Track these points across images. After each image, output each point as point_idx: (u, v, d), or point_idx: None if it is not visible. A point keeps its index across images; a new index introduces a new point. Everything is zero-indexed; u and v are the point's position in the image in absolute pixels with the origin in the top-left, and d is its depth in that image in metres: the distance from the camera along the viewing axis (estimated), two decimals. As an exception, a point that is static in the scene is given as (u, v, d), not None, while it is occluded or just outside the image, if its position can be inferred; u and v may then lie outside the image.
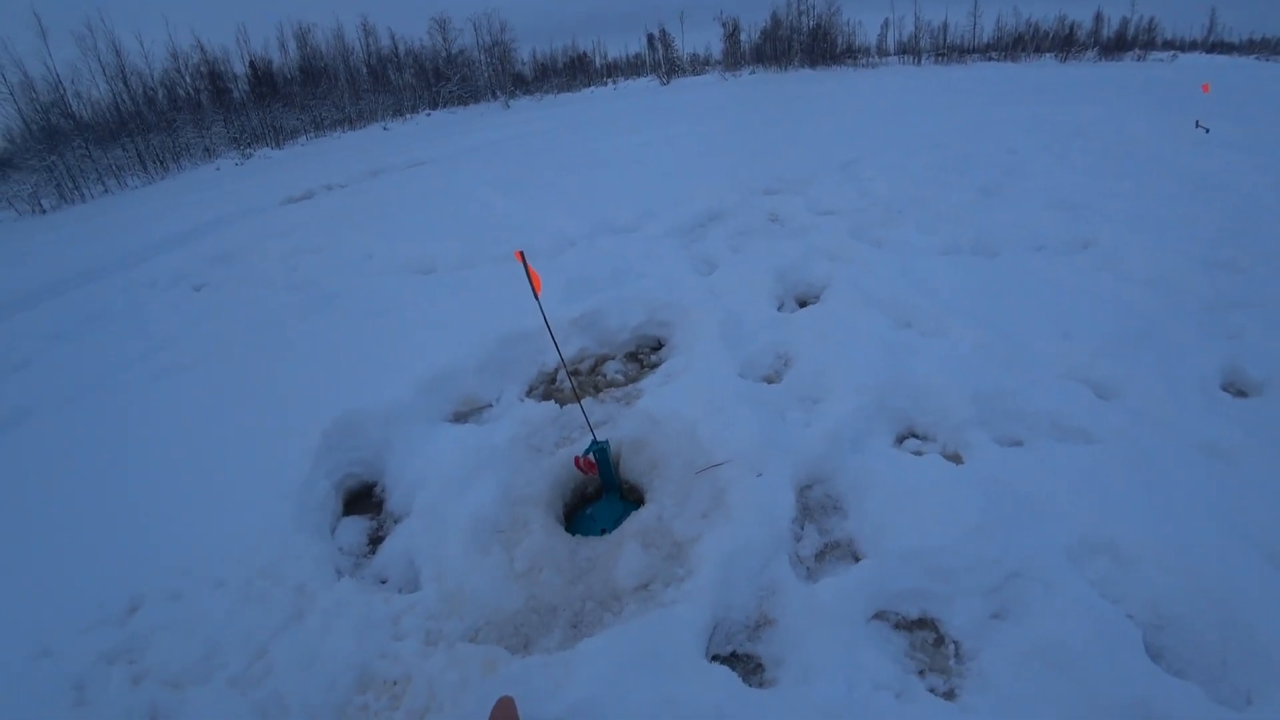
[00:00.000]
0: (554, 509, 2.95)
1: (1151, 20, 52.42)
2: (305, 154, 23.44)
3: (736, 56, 46.67)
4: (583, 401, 3.27)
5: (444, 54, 40.92)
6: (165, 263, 8.09)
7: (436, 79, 39.32)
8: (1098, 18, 50.54)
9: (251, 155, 24.98)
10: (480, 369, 4.03)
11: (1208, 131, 11.13)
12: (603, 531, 2.79)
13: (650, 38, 50.59)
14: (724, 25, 46.86)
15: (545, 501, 2.90)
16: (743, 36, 47.26)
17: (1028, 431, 3.22)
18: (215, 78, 32.72)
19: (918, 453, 3.17)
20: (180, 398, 4.27)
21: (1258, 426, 3.10)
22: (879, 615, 2.36)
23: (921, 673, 2.16)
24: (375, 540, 3.01)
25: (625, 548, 2.59)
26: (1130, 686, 1.95)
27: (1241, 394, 3.54)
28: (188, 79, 32.23)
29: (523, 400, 3.92)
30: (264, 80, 34.08)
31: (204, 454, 3.52)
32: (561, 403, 3.73)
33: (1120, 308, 4.32)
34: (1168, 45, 51.74)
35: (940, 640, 2.27)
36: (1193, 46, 52.48)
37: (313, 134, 29.81)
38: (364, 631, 2.29)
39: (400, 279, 6.05)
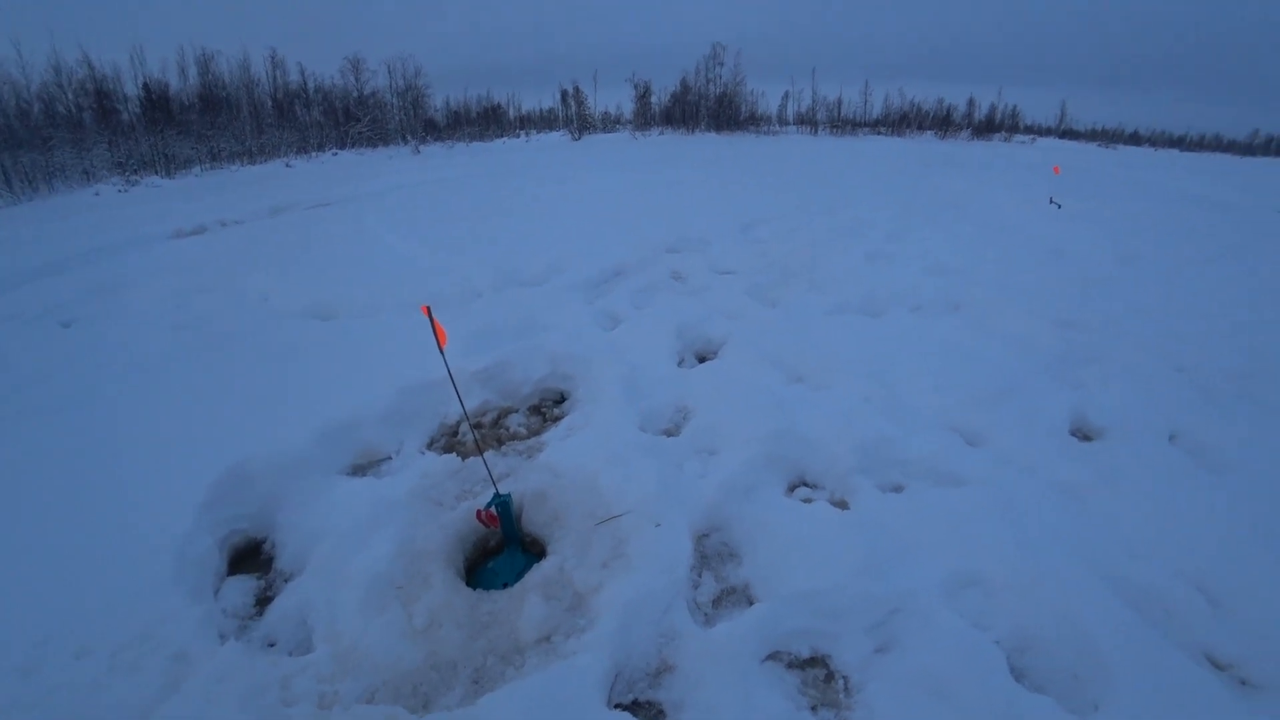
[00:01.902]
0: (455, 563, 2.92)
1: (1015, 107, 59.44)
2: (199, 186, 22.18)
3: (647, 117, 48.61)
4: (485, 454, 3.28)
5: (356, 94, 40.22)
6: (31, 294, 7.38)
7: (346, 118, 38.50)
8: (970, 102, 56.72)
9: (138, 183, 23.32)
10: (381, 420, 3.96)
11: (1060, 207, 12.61)
12: (505, 585, 2.80)
13: (564, 93, 51.83)
14: (636, 86, 48.86)
15: (446, 556, 2.88)
16: (654, 99, 49.38)
17: (906, 477, 3.53)
18: (102, 96, 30.64)
19: (807, 500, 3.39)
20: (43, 443, 3.88)
21: (1101, 467, 3.60)
22: (773, 655, 2.50)
23: (814, 708, 2.31)
24: (263, 600, 2.88)
25: (527, 600, 2.61)
26: (997, 704, 2.18)
27: (1087, 438, 4.04)
28: (70, 95, 30.01)
29: (424, 453, 3.87)
30: (158, 104, 32.22)
31: (69, 507, 3.22)
32: (463, 455, 3.72)
33: (986, 363, 4.81)
34: (1028, 130, 58.57)
35: (830, 676, 2.43)
36: (1048, 132, 59.65)
37: (209, 165, 28.28)
38: (250, 698, 2.19)
39: (299, 323, 5.84)
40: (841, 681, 2.39)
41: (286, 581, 2.93)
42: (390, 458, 3.83)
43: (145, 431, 3.95)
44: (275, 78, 38.22)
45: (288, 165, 28.67)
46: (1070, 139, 56.51)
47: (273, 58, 37.82)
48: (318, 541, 2.98)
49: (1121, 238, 9.76)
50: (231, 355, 5.10)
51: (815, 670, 2.46)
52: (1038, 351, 5.11)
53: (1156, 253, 8.86)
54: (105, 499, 3.27)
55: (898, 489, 3.45)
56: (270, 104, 37.31)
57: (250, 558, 3.19)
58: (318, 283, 6.95)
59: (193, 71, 35.22)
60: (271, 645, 2.60)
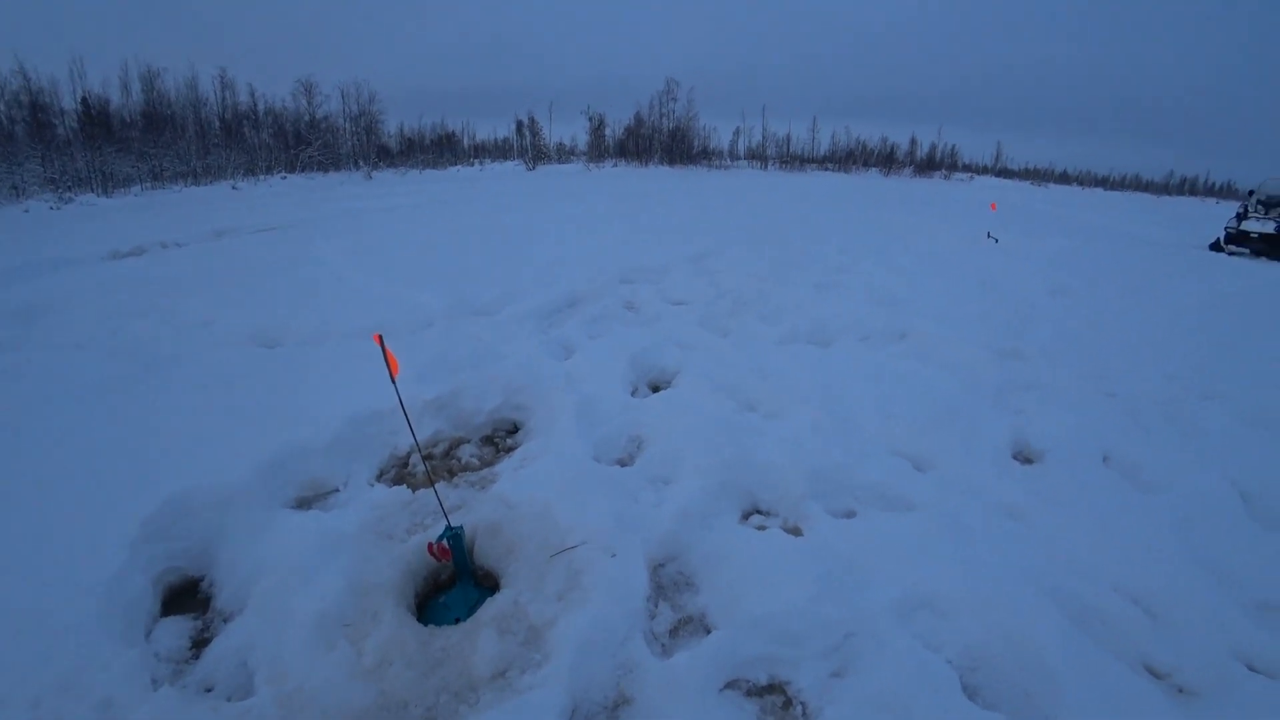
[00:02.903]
0: (405, 598, 2.84)
1: (954, 147, 62.71)
2: (139, 205, 21.38)
3: (601, 149, 49.31)
4: (437, 486, 3.22)
5: (307, 117, 39.65)
6: (-55, 315, 6.95)
7: (297, 142, 37.84)
8: (913, 141, 59.52)
9: (71, 200, 22.34)
10: (327, 450, 3.84)
11: (997, 241, 13.24)
12: (457, 620, 2.73)
13: (519, 124, 52.21)
14: (590, 119, 49.59)
15: (396, 591, 2.80)
16: (607, 131, 50.16)
17: (857, 503, 3.61)
18: (37, 109, 29.43)
19: (761, 527, 3.42)
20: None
21: (1042, 489, 3.77)
22: (731, 684, 2.49)
23: (773, 734, 2.29)
24: (200, 642, 2.72)
25: (481, 635, 2.55)
26: None
27: (1028, 461, 4.21)
28: (2, 105, 28.76)
29: (373, 485, 3.77)
30: (97, 120, 31.09)
31: None
32: (414, 487, 3.63)
33: (931, 390, 4.98)
34: (966, 168, 61.65)
35: (789, 702, 2.43)
36: (985, 170, 62.91)
37: (150, 185, 27.29)
38: (183, 747, 2.06)
39: (242, 351, 5.64)
40: (800, 708, 2.39)
41: (225, 621, 2.79)
42: (338, 490, 3.71)
43: (74, 464, 3.69)
44: (224, 98, 37.43)
45: (234, 188, 27.95)
46: (1005, 177, 59.71)
47: (221, 77, 37.11)
48: (260, 578, 2.85)
49: (1053, 271, 10.30)
50: (169, 383, 4.87)
51: (773, 697, 2.46)
52: (979, 379, 5.32)
53: (1086, 285, 9.38)
54: (27, 536, 3.02)
55: (849, 514, 3.52)
56: (218, 124, 36.45)
57: (186, 597, 3.03)
58: (262, 309, 6.76)
59: (136, 88, 34.24)
60: (209, 690, 2.46)
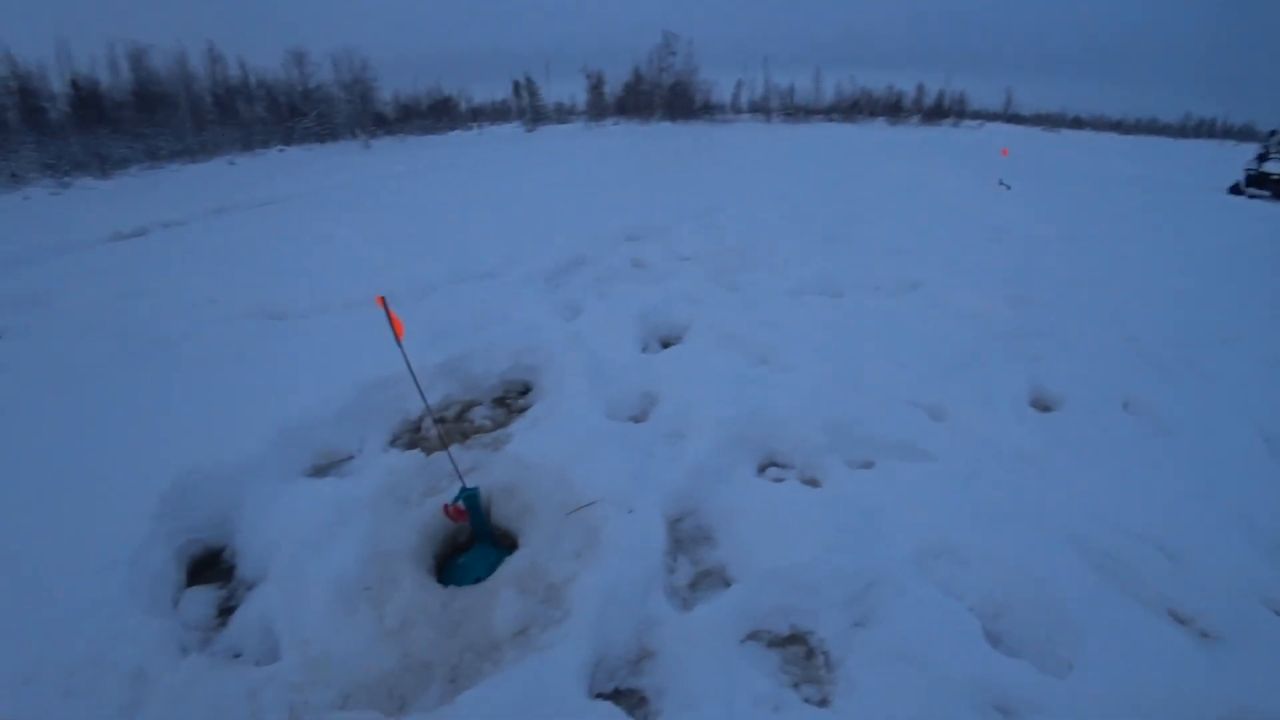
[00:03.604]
0: (425, 561, 2.86)
1: (962, 93, 60.84)
2: (137, 187, 21.23)
3: (601, 107, 48.35)
4: (450, 448, 3.20)
5: (300, 88, 39.02)
6: (-43, 306, 6.97)
7: (292, 114, 37.33)
8: (920, 89, 57.91)
9: (70, 185, 22.21)
10: (339, 419, 3.84)
11: (1009, 188, 12.94)
12: (477, 580, 2.74)
13: (516, 85, 51.19)
14: (589, 77, 48.54)
15: (415, 554, 2.81)
16: (607, 89, 49.13)
17: (875, 453, 3.58)
18: (27, 94, 29.07)
19: (778, 479, 3.41)
20: (-22, 462, 3.67)
21: (1060, 436, 3.72)
22: (753, 635, 2.50)
23: (796, 684, 2.32)
24: (226, 611, 2.76)
25: (500, 595, 2.55)
26: (973, 670, 2.23)
27: (1046, 409, 4.15)
28: (-5, 94, 28.43)
29: (386, 450, 3.78)
30: (88, 102, 30.70)
31: (9, 526, 3.00)
32: (428, 451, 3.63)
33: (944, 339, 4.91)
34: (975, 115, 60.07)
35: (810, 652, 2.44)
36: (995, 117, 61.30)
37: (147, 165, 27.03)
38: (217, 713, 2.10)
39: (248, 325, 5.62)
40: (822, 657, 2.40)
41: (249, 589, 2.81)
42: (352, 457, 3.72)
43: (90, 443, 3.72)
44: (215, 72, 36.83)
45: (231, 163, 27.65)
46: (1016, 124, 58.22)
47: (210, 51, 36.44)
48: (280, 546, 2.87)
49: (1066, 217, 10.09)
50: (178, 360, 4.88)
51: (795, 647, 2.47)
52: (994, 327, 5.23)
53: (1100, 231, 9.19)
54: (50, 516, 3.06)
55: (867, 465, 3.49)
56: (210, 99, 35.94)
57: (210, 567, 3.06)
58: (266, 283, 6.73)
59: (124, 66, 33.67)
60: (237, 656, 2.49)
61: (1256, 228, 10.32)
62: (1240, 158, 18.92)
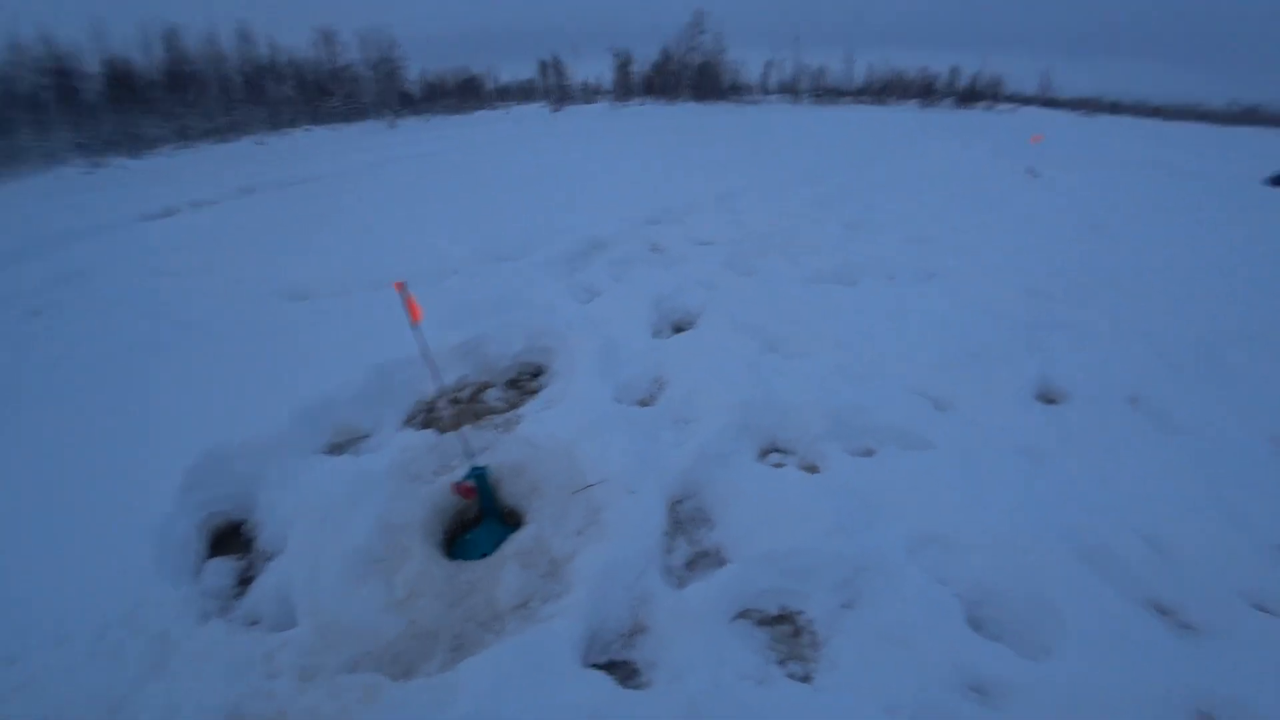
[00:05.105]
0: (434, 536, 2.98)
1: (998, 76, 59.17)
2: (168, 166, 21.64)
3: (627, 88, 47.96)
4: (463, 429, 3.31)
5: (328, 67, 39.27)
6: (-3, 282, 7.26)
7: (319, 93, 37.63)
8: (953, 71, 56.49)
9: (103, 165, 22.69)
10: (358, 398, 3.98)
11: (1038, 176, 12.70)
12: (483, 555, 2.85)
13: (543, 65, 50.96)
14: (616, 57, 48.13)
15: (425, 529, 2.93)
16: (634, 69, 48.69)
17: (876, 441, 3.63)
18: (62, 75, 29.63)
19: (779, 465, 3.48)
20: (17, 432, 3.85)
21: (1062, 429, 3.72)
22: (743, 614, 2.60)
23: (782, 661, 2.41)
24: (245, 581, 2.91)
25: (505, 569, 2.67)
26: (955, 653, 2.31)
27: (1051, 401, 4.14)
28: (29, 74, 28.97)
29: (401, 429, 3.90)
30: (121, 82, 31.22)
31: (45, 496, 3.21)
32: (441, 430, 3.75)
33: (956, 330, 4.90)
34: (1010, 99, 58.44)
35: (798, 631, 2.53)
36: (1031, 101, 59.59)
37: (178, 144, 27.51)
38: (234, 674, 2.24)
39: (272, 305, 5.79)
40: (808, 636, 2.48)
41: (268, 561, 2.96)
42: (368, 435, 3.85)
43: (121, 418, 3.93)
44: (244, 51, 37.19)
45: (259, 143, 28.02)
46: (1052, 108, 56.60)
47: (240, 30, 36.76)
48: (298, 520, 3.01)
49: (1095, 207, 9.89)
50: (205, 339, 5.06)
51: (783, 626, 2.55)
52: (1008, 318, 5.20)
53: (1127, 222, 9.00)
54: (82, 487, 3.27)
55: (867, 453, 3.54)
56: (240, 79, 36.34)
57: (231, 539, 3.22)
58: (291, 263, 6.89)
59: (157, 46, 34.13)
60: (254, 623, 2.64)
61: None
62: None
